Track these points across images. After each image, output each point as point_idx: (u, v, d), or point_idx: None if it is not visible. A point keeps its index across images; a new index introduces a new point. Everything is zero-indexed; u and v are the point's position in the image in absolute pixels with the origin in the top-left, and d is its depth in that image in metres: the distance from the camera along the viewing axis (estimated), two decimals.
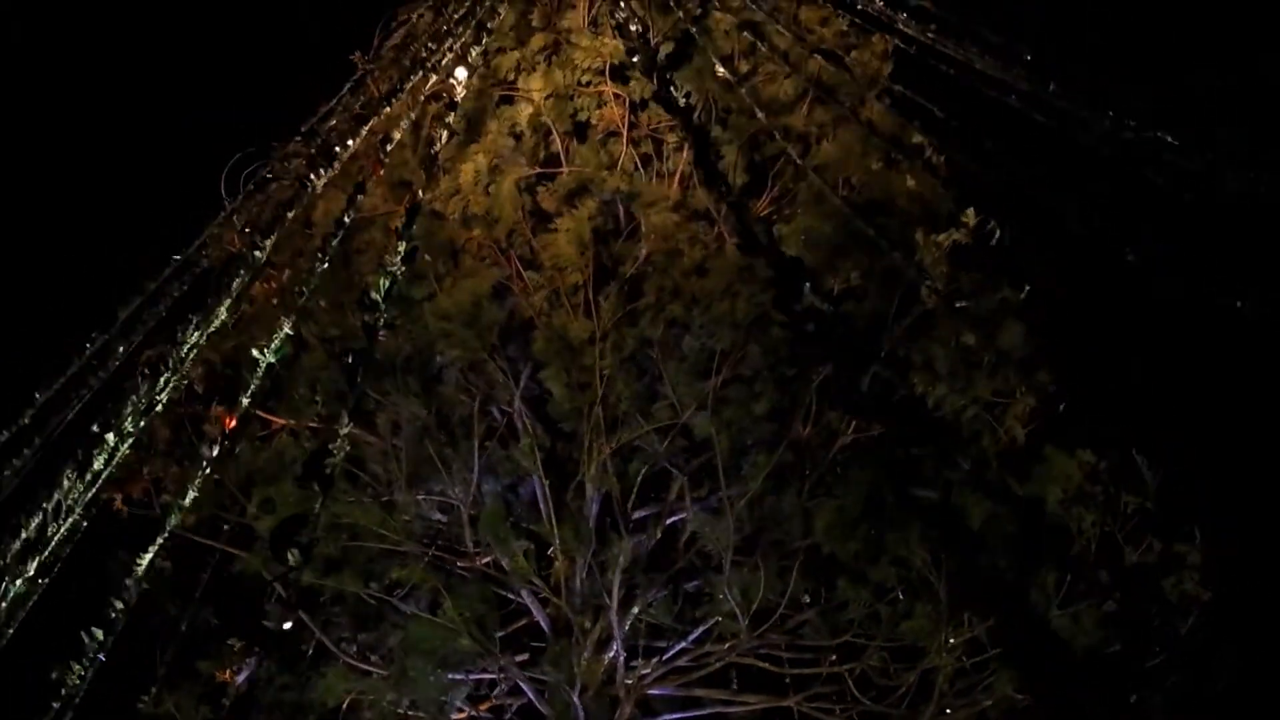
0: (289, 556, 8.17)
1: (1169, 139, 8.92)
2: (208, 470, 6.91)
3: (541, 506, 10.16)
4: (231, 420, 6.27)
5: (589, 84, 11.24)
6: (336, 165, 8.03)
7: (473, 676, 10.19)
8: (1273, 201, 7.85)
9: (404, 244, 6.63)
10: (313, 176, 7.72)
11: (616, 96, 11.20)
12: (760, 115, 9.92)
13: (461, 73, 8.19)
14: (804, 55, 11.63)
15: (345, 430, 6.87)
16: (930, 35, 11.43)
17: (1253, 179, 8.03)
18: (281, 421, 9.76)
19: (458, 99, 8.06)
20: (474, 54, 8.59)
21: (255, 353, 7.11)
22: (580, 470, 10.02)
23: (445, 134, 7.55)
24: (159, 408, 6.20)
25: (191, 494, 6.76)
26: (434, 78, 8.03)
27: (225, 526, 9.38)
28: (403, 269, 6.53)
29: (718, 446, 9.67)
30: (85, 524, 5.78)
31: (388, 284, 5.98)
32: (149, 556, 6.25)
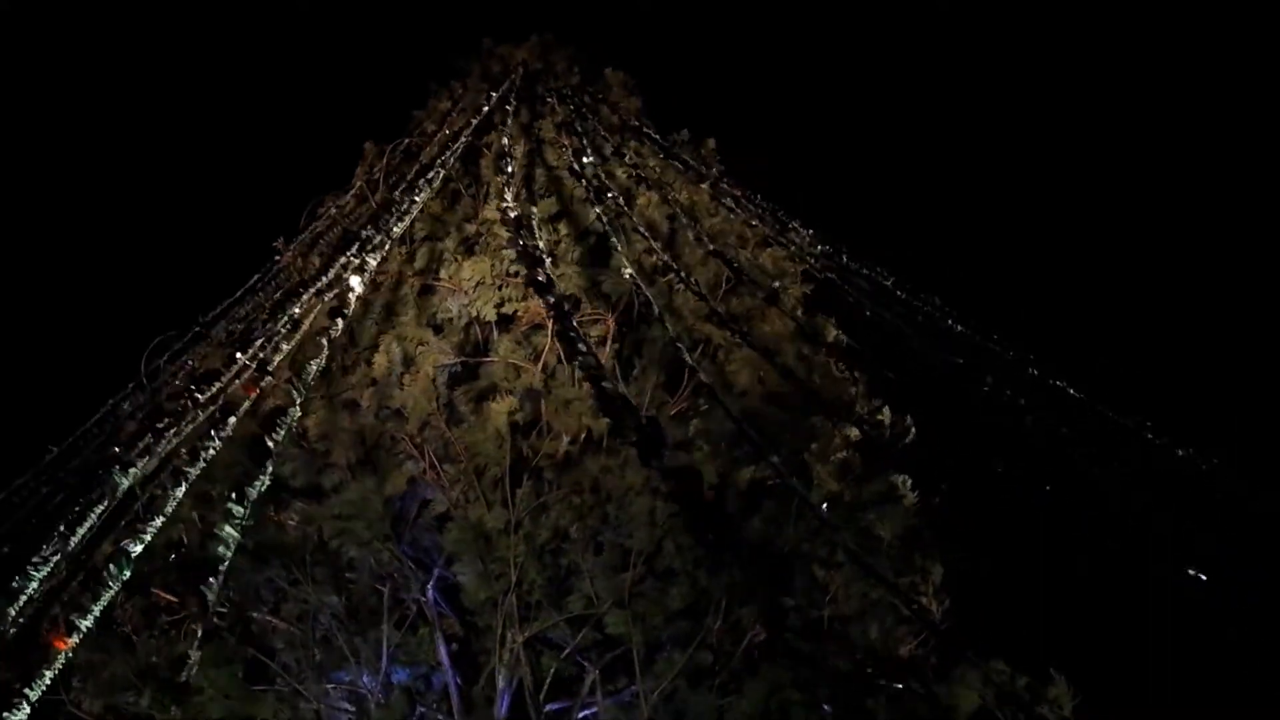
0: None
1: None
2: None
3: (452, 698, 10.00)
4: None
5: (516, 274, 11.36)
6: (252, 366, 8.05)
7: None
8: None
9: (269, 462, 6.53)
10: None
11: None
12: (674, 337, 10.08)
13: (356, 281, 8.23)
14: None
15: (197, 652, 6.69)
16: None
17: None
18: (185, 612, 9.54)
19: (349, 307, 8.08)
20: (372, 263, 8.69)
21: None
22: (491, 661, 9.88)
23: (327, 342, 7.56)
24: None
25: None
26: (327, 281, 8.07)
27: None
28: (266, 480, 6.39)
29: (632, 641, 9.62)
30: None
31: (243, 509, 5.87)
32: None
